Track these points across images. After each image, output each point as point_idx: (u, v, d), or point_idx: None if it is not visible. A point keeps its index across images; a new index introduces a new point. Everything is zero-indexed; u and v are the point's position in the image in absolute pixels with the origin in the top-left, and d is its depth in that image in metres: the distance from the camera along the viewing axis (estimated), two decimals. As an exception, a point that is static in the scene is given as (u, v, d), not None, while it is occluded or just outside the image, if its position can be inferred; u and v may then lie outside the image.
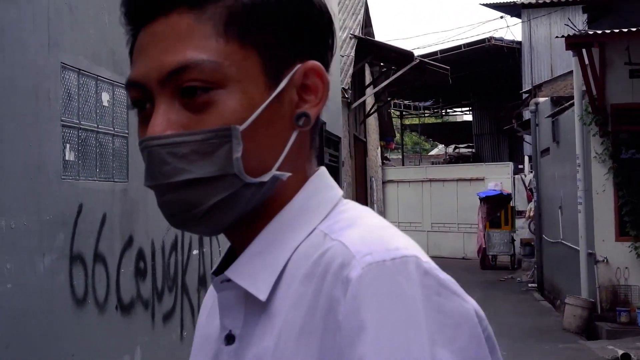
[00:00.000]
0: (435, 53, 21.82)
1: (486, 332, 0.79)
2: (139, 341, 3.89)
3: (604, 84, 10.05)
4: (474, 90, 27.81)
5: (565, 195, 11.92)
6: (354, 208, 0.88)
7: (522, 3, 20.40)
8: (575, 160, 10.50)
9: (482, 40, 21.74)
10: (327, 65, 0.90)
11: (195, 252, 5.00)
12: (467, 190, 21.95)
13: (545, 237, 14.26)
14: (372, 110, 19.46)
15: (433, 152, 41.78)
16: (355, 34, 15.78)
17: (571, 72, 11.62)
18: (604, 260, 10.04)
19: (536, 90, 16.38)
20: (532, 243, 16.63)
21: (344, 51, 14.66)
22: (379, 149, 23.28)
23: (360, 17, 17.35)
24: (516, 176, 21.75)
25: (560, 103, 12.82)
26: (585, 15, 15.08)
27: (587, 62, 9.85)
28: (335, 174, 12.80)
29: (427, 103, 31.56)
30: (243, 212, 0.83)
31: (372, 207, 19.53)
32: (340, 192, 0.91)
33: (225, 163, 0.79)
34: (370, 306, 0.72)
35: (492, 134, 29.42)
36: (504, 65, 22.79)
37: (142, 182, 0.83)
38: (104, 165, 3.81)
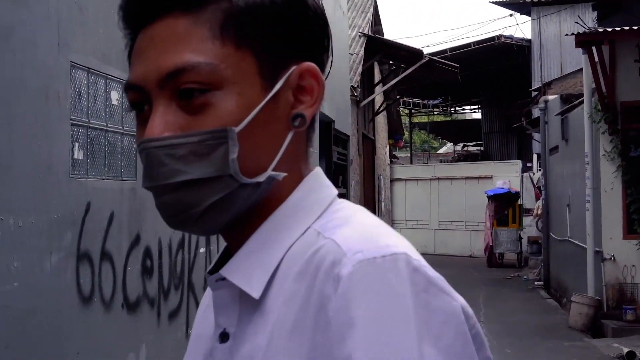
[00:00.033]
0: (444, 51, 21.77)
1: (474, 329, 0.79)
2: (144, 339, 3.92)
3: (614, 82, 10.01)
4: (483, 88, 27.74)
5: (574, 193, 11.89)
6: (347, 207, 0.89)
7: (532, 1, 20.33)
8: (584, 158, 10.47)
9: (492, 38, 21.69)
10: (322, 66, 0.91)
11: (202, 250, 5.03)
12: (475, 188, 21.90)
13: (553, 235, 14.22)
14: (381, 109, 19.44)
15: (441, 150, 41.67)
16: (365, 32, 15.77)
17: (581, 69, 11.59)
18: (611, 258, 10.03)
19: (546, 88, 16.31)
20: (540, 241, 16.58)
21: (353, 49, 14.65)
22: (388, 147, 23.26)
23: (370, 15, 17.33)
24: (524, 174, 21.68)
25: (570, 101, 12.77)
26: (595, 13, 14.99)
27: (597, 59, 9.82)
28: (343, 172, 12.79)
29: (436, 101, 31.49)
30: (239, 212, 0.84)
31: (379, 205, 19.53)
32: (335, 191, 0.92)
33: (222, 164, 0.80)
34: (360, 303, 0.73)
35: (501, 132, 29.33)
36: (514, 63, 22.73)
37: None
38: (112, 164, 3.84)
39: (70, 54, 3.33)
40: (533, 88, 19.02)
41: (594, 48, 9.81)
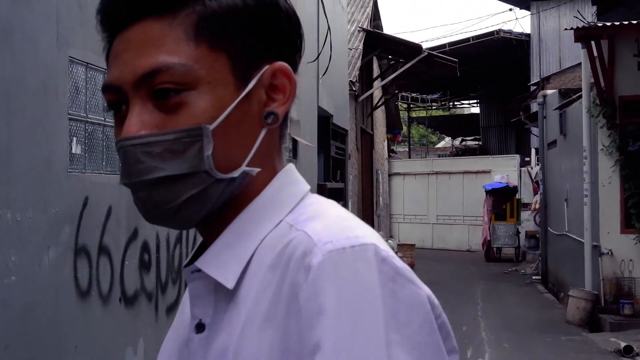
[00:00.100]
0: (443, 46, 21.77)
1: (440, 319, 0.83)
2: (142, 333, 3.92)
3: (613, 76, 10.01)
4: (482, 82, 27.74)
5: (572, 188, 11.90)
6: (319, 202, 0.92)
7: (531, -5, 20.28)
8: (582, 152, 10.48)
9: (491, 33, 21.68)
10: (295, 65, 0.94)
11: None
12: (474, 182, 21.91)
13: (551, 230, 14.24)
14: (380, 103, 19.43)
15: (440, 145, 41.69)
16: (364, 27, 15.75)
17: (579, 64, 11.59)
18: (608, 253, 10.04)
19: (544, 82, 16.33)
20: (537, 235, 16.60)
21: (352, 44, 14.64)
22: (386, 141, 23.25)
23: (369, 10, 17.31)
24: (523, 169, 21.69)
25: (568, 95, 12.78)
26: (595, 8, 14.99)
27: (595, 54, 9.82)
28: (341, 166, 12.79)
29: (435, 96, 31.49)
30: (214, 207, 0.87)
31: (377, 199, 19.54)
32: (307, 187, 0.95)
33: (197, 160, 0.83)
34: (329, 290, 0.76)
35: (500, 127, 29.34)
36: (513, 57, 22.74)
37: None
38: (110, 158, 3.84)
39: (69, 50, 3.33)
40: (532, 83, 19.03)
41: (592, 43, 9.81)
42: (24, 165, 2.89)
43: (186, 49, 0.85)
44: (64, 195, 3.21)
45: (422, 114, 36.17)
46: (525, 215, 19.59)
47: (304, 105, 8.68)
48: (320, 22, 9.41)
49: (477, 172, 22.41)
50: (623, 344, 8.20)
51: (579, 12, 14.41)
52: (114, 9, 0.88)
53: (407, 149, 32.98)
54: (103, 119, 3.81)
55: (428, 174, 23.67)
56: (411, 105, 32.53)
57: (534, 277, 15.50)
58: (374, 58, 17.79)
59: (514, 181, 20.82)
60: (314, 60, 8.94)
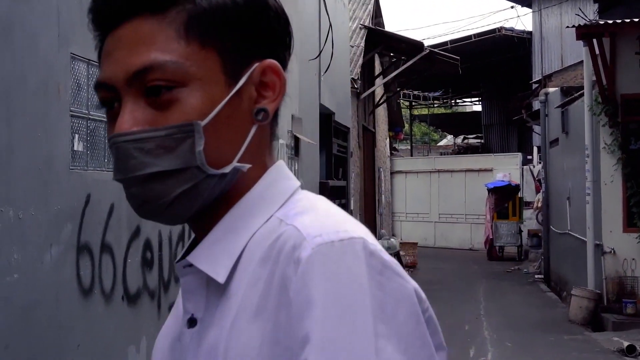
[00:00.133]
0: (445, 43, 21.75)
1: (427, 313, 0.84)
2: (145, 331, 3.92)
3: (614, 74, 10.00)
4: (484, 80, 27.70)
5: (574, 186, 11.89)
6: (308, 197, 0.94)
7: (533, -7, 20.25)
8: (584, 150, 10.46)
9: (493, 31, 21.65)
10: (284, 63, 0.96)
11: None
12: (476, 181, 21.90)
13: (553, 229, 14.23)
14: (382, 101, 19.41)
15: (442, 143, 41.66)
16: (365, 24, 15.74)
17: (581, 62, 11.58)
18: (611, 252, 10.03)
19: (546, 80, 16.29)
20: (540, 234, 16.58)
21: (353, 41, 14.63)
22: (388, 139, 23.24)
23: (371, 7, 17.30)
24: (525, 167, 21.67)
25: (570, 93, 12.76)
26: (596, 5, 14.95)
27: (597, 52, 9.80)
28: (343, 164, 12.77)
29: (437, 93, 31.46)
30: (206, 202, 0.88)
31: (380, 197, 19.53)
32: (297, 183, 0.96)
33: (189, 156, 0.85)
34: (318, 283, 0.77)
35: (501, 125, 29.31)
36: (514, 55, 22.71)
37: None
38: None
39: (70, 47, 3.32)
40: (533, 80, 18.99)
41: (594, 40, 9.80)
42: (25, 162, 2.89)
43: (177, 46, 0.86)
44: (66, 192, 3.21)
45: (424, 111, 36.14)
46: (527, 213, 19.57)
47: (306, 103, 8.67)
48: (321, 19, 9.41)
49: (479, 170, 22.40)
50: (626, 343, 8.19)
51: (580, 9, 14.37)
52: (105, 8, 0.90)
53: (409, 147, 32.95)
54: (105, 116, 3.80)
55: (430, 172, 23.66)
56: (413, 103, 32.50)
57: (536, 276, 15.49)
58: (376, 55, 17.77)
59: (516, 179, 20.81)
60: (316, 58, 8.93)
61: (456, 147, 32.16)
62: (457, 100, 34.23)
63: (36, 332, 2.87)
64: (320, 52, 9.01)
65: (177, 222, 0.91)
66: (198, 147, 0.84)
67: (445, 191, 22.97)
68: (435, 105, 34.71)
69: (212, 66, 0.87)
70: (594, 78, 10.12)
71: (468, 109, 39.61)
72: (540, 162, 17.55)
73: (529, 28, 22.75)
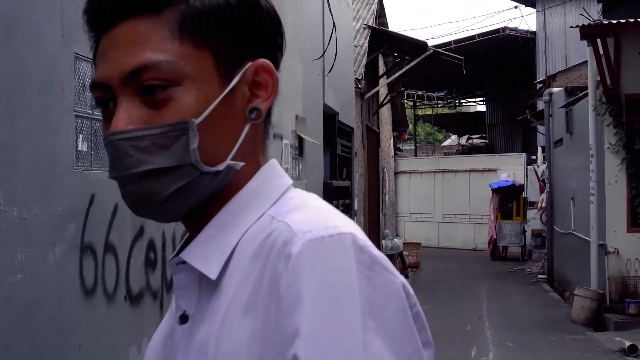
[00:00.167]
0: (449, 43, 21.73)
1: (414, 308, 0.85)
2: (147, 332, 3.92)
3: (619, 74, 9.99)
4: (488, 80, 27.67)
5: (578, 186, 11.87)
6: (300, 195, 0.95)
7: (537, -7, 20.21)
8: (588, 150, 10.45)
9: (497, 30, 21.63)
10: (277, 63, 0.97)
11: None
12: (480, 181, 21.88)
13: (557, 229, 14.21)
14: (386, 101, 19.40)
15: (446, 143, 41.60)
16: (369, 24, 15.73)
17: (585, 62, 11.55)
18: (614, 252, 10.02)
19: (550, 80, 16.27)
20: (544, 234, 16.56)
21: (357, 41, 14.62)
22: (392, 139, 23.22)
23: (374, 7, 17.29)
24: (529, 167, 21.65)
25: (575, 93, 12.74)
26: (600, 5, 14.93)
27: (601, 52, 9.79)
28: (347, 164, 12.77)
29: (441, 93, 31.43)
30: (200, 199, 0.90)
31: (383, 197, 19.52)
32: (289, 181, 0.98)
33: (183, 154, 0.86)
34: (307, 278, 0.79)
35: (506, 125, 29.27)
36: (518, 55, 22.68)
37: None
38: (115, 156, 3.83)
39: (74, 46, 3.32)
40: (537, 80, 18.97)
41: (598, 40, 9.78)
42: (29, 162, 2.89)
43: (171, 46, 0.87)
44: (70, 192, 3.21)
45: (428, 111, 36.12)
46: (531, 213, 19.54)
47: (310, 103, 8.67)
48: (325, 19, 9.40)
49: (483, 171, 22.38)
50: (628, 343, 8.18)
51: (584, 9, 14.34)
52: (100, 8, 0.91)
53: (413, 147, 32.93)
54: (109, 116, 3.80)
55: (434, 172, 23.65)
56: (417, 103, 32.48)
57: (539, 276, 15.47)
58: (380, 55, 17.76)
59: (520, 179, 20.80)
60: (320, 58, 8.93)
61: (460, 147, 32.12)
62: (461, 100, 34.19)
63: (37, 332, 2.87)
64: (324, 52, 9.00)
65: (171, 219, 0.92)
66: (192, 144, 0.86)
67: (449, 191, 22.95)
68: (440, 105, 34.69)
69: (206, 65, 0.89)
70: (598, 78, 10.10)
71: (472, 109, 39.55)
72: (544, 162, 17.53)
73: (533, 28, 22.72)
